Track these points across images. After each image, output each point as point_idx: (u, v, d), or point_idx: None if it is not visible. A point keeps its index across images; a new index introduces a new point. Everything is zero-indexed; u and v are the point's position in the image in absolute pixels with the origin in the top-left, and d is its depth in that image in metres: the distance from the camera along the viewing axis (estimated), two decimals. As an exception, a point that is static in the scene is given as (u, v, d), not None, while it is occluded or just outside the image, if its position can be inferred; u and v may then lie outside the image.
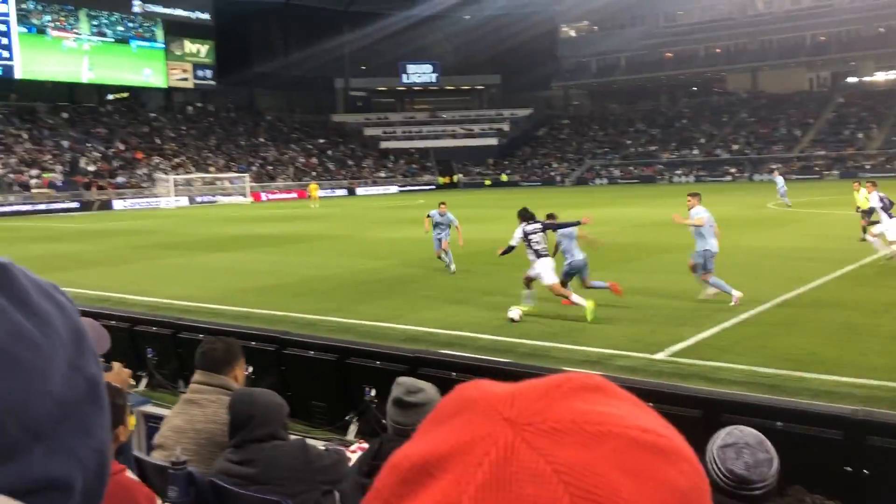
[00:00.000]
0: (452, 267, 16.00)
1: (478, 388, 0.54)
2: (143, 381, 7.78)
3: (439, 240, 16.31)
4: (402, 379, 3.18)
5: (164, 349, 7.49)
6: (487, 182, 77.96)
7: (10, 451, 0.58)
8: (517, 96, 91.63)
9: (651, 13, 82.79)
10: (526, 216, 11.48)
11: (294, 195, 63.26)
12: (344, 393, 6.06)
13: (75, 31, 65.68)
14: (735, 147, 73.77)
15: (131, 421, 2.80)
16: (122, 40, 68.59)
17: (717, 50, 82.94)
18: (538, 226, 11.39)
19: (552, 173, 78.23)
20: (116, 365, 4.28)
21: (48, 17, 63.90)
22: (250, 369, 6.79)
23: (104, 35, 67.50)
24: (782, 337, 9.52)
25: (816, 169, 65.10)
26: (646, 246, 19.81)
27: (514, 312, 10.88)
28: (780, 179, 32.80)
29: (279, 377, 6.54)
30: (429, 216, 16.90)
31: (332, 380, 6.05)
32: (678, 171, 71.67)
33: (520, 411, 0.49)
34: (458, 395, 0.54)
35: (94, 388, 0.66)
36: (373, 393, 5.80)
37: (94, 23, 66.92)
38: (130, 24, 69.22)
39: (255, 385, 6.72)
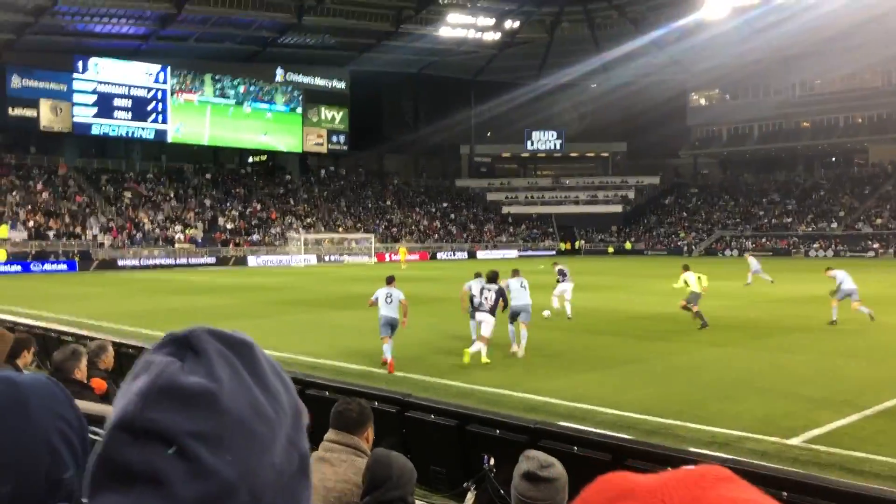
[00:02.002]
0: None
1: (627, 479, 0.61)
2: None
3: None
4: (531, 452, 3.18)
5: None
6: (610, 249, 76.92)
7: None
8: (644, 164, 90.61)
9: (786, 82, 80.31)
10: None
11: (416, 257, 64.64)
12: (462, 459, 6.05)
13: (221, 97, 70.67)
14: (878, 221, 69.62)
15: None
16: (264, 107, 73.13)
17: (859, 119, 79.20)
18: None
19: (679, 242, 76.28)
20: None
21: (197, 84, 69.12)
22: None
23: (247, 102, 72.23)
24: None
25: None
26: (780, 323, 18.87)
27: None
28: None
29: (400, 439, 6.62)
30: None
31: (452, 445, 6.07)
32: (815, 245, 68.25)
33: (681, 499, 0.56)
34: (611, 485, 0.60)
35: (304, 462, 0.74)
36: (491, 462, 5.77)
37: (239, 90, 71.80)
38: (272, 93, 73.80)
39: (377, 445, 6.84)
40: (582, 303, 24.28)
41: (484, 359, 13.12)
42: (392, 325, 13.42)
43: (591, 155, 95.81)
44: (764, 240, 72.71)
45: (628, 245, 76.96)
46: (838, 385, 11.10)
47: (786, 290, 28.48)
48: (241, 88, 71.81)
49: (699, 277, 18.14)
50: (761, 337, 16.50)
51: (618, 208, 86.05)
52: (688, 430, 8.77)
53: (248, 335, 0.75)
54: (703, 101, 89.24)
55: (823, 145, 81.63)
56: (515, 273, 15.34)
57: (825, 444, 8.22)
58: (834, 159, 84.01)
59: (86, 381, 5.37)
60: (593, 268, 46.55)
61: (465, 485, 6.11)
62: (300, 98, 75.12)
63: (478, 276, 14.52)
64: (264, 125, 72.80)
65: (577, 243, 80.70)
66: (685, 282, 18.09)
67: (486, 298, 13.44)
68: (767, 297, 25.88)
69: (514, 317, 14.32)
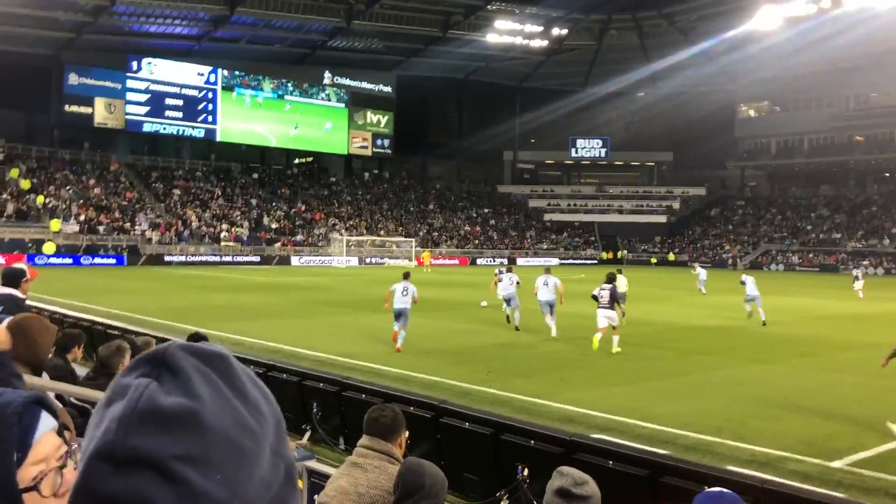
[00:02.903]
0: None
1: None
2: (307, 434, 8.12)
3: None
4: (565, 469, 3.16)
5: (328, 405, 7.81)
6: (653, 260, 76.07)
7: None
8: (690, 174, 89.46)
9: (839, 95, 78.49)
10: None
11: (456, 261, 64.74)
12: (496, 468, 6.03)
13: (270, 99, 71.69)
14: (933, 239, 67.71)
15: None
16: (311, 110, 73.95)
17: (916, 134, 77.08)
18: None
19: (724, 255, 75.10)
20: None
21: (248, 88, 70.21)
22: (407, 434, 6.95)
23: (295, 104, 73.13)
24: None
25: None
26: (825, 341, 18.45)
27: None
28: None
29: (435, 445, 6.63)
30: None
31: (486, 454, 6.05)
32: (864, 262, 66.57)
33: None
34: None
35: (290, 471, 0.73)
36: (525, 472, 5.74)
37: (287, 93, 72.76)
38: (319, 95, 74.61)
39: (411, 451, 6.86)
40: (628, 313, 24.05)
41: (615, 349, 15.51)
42: (403, 315, 15.31)
43: (637, 164, 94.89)
44: (811, 255, 71.20)
45: (672, 256, 76.00)
46: (887, 407, 10.80)
47: (833, 308, 27.88)
48: (290, 91, 72.74)
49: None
50: (807, 354, 16.15)
51: (662, 219, 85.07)
52: (727, 448, 8.61)
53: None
54: (752, 113, 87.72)
55: (877, 160, 79.56)
56: (547, 271, 19.64)
57: (871, 468, 8.01)
58: (888, 175, 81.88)
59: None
60: (635, 278, 45.98)
61: (497, 494, 6.09)
62: (346, 101, 75.83)
63: (406, 276, 16.06)
64: (311, 128, 73.60)
65: (619, 253, 79.95)
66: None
67: (602, 296, 16.04)
68: (815, 314, 25.35)
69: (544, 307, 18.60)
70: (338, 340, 16.64)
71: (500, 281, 21.63)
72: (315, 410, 7.92)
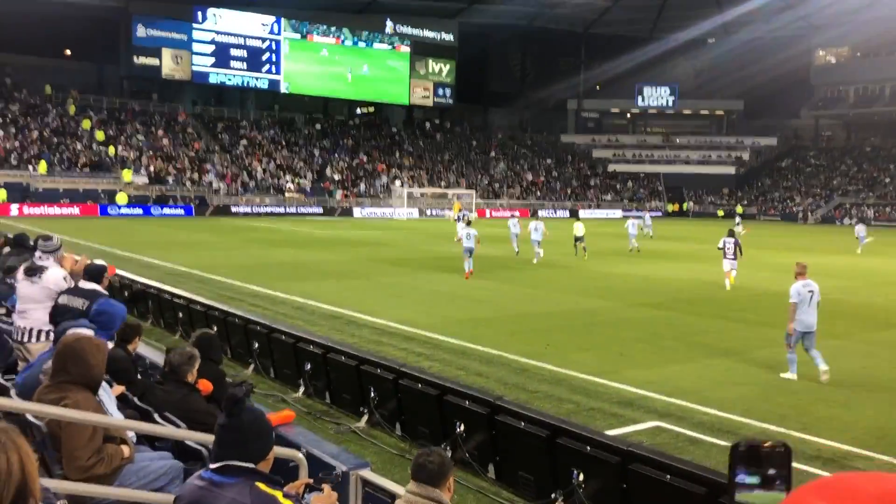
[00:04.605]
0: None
1: (849, 481, 0.77)
2: (365, 417, 8.22)
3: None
4: None
5: (385, 391, 7.86)
6: (720, 213, 74.17)
7: None
8: (760, 124, 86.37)
9: (927, 38, 74.20)
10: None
11: (516, 213, 64.16)
12: (551, 469, 5.99)
13: (333, 47, 71.54)
14: None
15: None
16: (372, 59, 73.57)
17: None
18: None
19: (794, 208, 72.79)
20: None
21: (310, 37, 70.15)
22: (462, 427, 6.95)
23: (357, 52, 72.83)
24: None
25: None
26: (901, 311, 17.66)
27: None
28: None
29: (489, 441, 6.62)
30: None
31: (541, 455, 6.01)
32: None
33: None
34: (830, 487, 0.75)
35: None
36: (581, 478, 5.68)
37: (348, 41, 72.45)
38: (381, 43, 74.09)
39: (466, 444, 6.86)
40: (687, 275, 23.54)
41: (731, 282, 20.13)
42: (471, 251, 21.55)
43: (705, 113, 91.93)
44: (888, 209, 68.36)
45: (740, 209, 73.92)
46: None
47: (910, 272, 26.63)
48: (352, 40, 72.42)
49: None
50: (880, 328, 15.53)
51: (731, 170, 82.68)
52: (791, 441, 8.37)
53: None
54: (830, 59, 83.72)
55: (965, 108, 75.44)
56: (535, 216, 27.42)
57: (944, 466, 7.68)
58: (976, 124, 77.59)
59: (194, 383, 5.59)
60: (700, 233, 44.97)
61: (553, 495, 6.06)
62: (408, 50, 75.15)
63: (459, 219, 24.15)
64: (373, 77, 73.33)
65: (685, 205, 78.21)
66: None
67: (728, 248, 20.24)
68: (889, 279, 24.27)
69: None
70: (397, 305, 16.74)
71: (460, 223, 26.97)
72: (372, 395, 7.98)
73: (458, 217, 29.25)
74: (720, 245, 20.48)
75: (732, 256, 20.07)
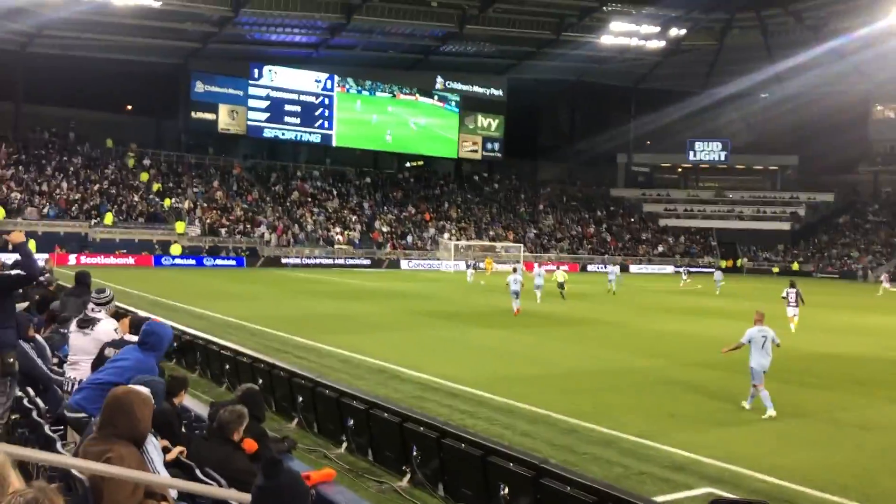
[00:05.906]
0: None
1: None
2: (407, 476, 8.07)
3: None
4: None
5: (428, 449, 7.72)
6: (776, 269, 72.53)
7: None
8: (816, 179, 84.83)
9: None
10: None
11: (566, 267, 63.68)
12: (599, 538, 5.76)
13: (383, 101, 72.97)
14: None
15: None
16: (422, 114, 74.77)
17: None
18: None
19: (853, 265, 70.82)
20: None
21: (362, 94, 71.73)
22: (506, 490, 6.77)
23: (407, 106, 74.13)
24: None
25: None
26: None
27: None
28: None
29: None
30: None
31: (589, 523, 5.79)
32: None
33: None
34: None
35: None
36: (629, 548, 5.45)
37: (399, 96, 73.82)
38: (430, 98, 75.31)
39: (510, 508, 6.65)
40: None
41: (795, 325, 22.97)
42: (517, 294, 25.86)
43: (759, 168, 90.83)
44: (953, 267, 66.04)
45: (795, 266, 72.29)
46: None
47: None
48: (403, 95, 73.80)
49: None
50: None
51: (786, 226, 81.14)
52: (853, 513, 7.95)
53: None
54: (889, 114, 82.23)
55: None
56: (515, 270, 28.42)
57: None
58: None
59: (239, 442, 5.57)
60: (754, 290, 43.97)
61: (600, 565, 5.82)
62: (458, 105, 76.23)
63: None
64: (422, 132, 74.45)
65: (738, 261, 76.78)
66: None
67: (790, 297, 23.61)
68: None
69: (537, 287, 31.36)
70: (442, 359, 16.61)
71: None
72: (415, 454, 7.85)
73: (469, 267, 40.07)
74: (783, 294, 24.03)
75: (794, 304, 23.30)
